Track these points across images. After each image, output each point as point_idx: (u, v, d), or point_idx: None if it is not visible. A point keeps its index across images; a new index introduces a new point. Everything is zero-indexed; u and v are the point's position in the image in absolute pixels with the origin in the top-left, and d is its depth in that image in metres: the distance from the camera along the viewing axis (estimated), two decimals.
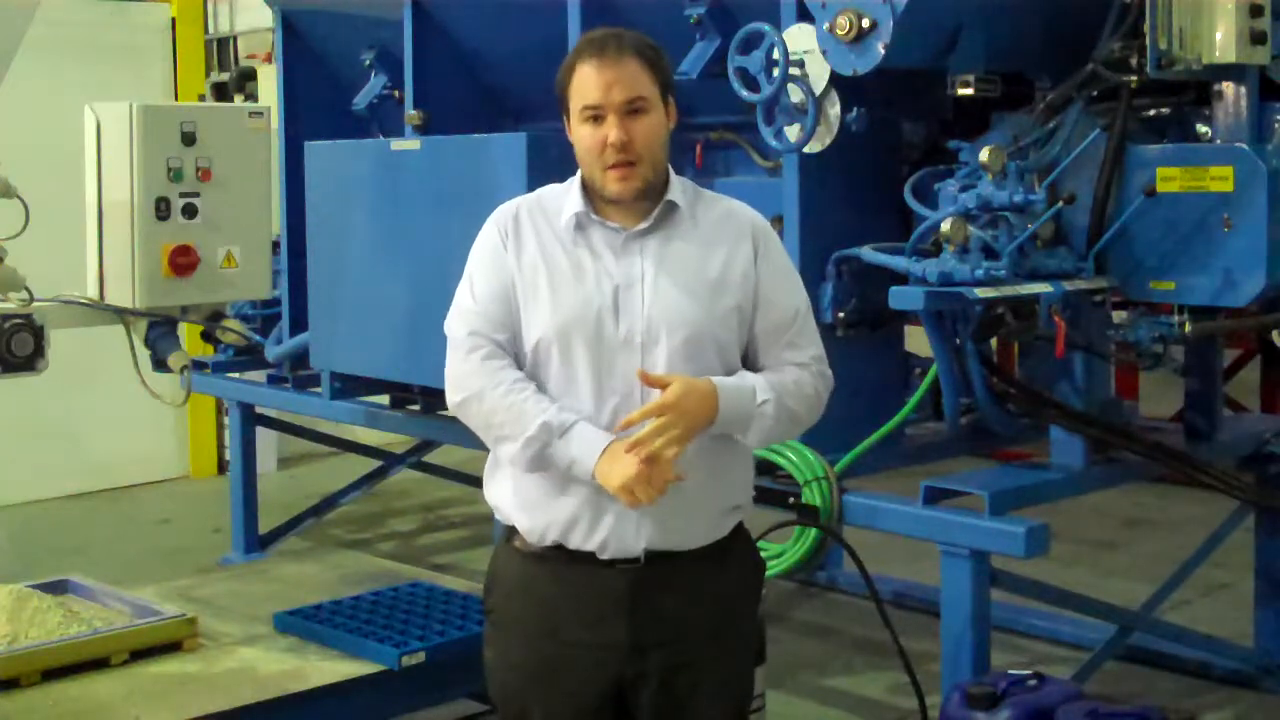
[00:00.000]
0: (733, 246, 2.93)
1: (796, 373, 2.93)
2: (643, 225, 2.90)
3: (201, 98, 8.36)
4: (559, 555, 2.89)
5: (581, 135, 2.87)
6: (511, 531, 2.98)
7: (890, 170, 4.72)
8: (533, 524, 2.91)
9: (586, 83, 2.84)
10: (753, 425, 2.86)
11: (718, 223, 2.95)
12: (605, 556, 2.86)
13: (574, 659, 2.89)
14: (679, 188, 2.94)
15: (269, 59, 7.73)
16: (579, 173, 2.95)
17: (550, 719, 2.94)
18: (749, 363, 2.97)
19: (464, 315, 2.93)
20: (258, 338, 6.56)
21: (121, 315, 4.75)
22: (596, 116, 2.84)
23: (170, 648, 4.18)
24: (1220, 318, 4.39)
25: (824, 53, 4.29)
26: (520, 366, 2.90)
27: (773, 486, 4.36)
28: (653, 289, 2.86)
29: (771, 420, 2.86)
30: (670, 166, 2.96)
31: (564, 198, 2.95)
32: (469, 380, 2.89)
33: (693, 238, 2.92)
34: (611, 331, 2.84)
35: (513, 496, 2.95)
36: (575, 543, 2.87)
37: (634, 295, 2.86)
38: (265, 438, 7.74)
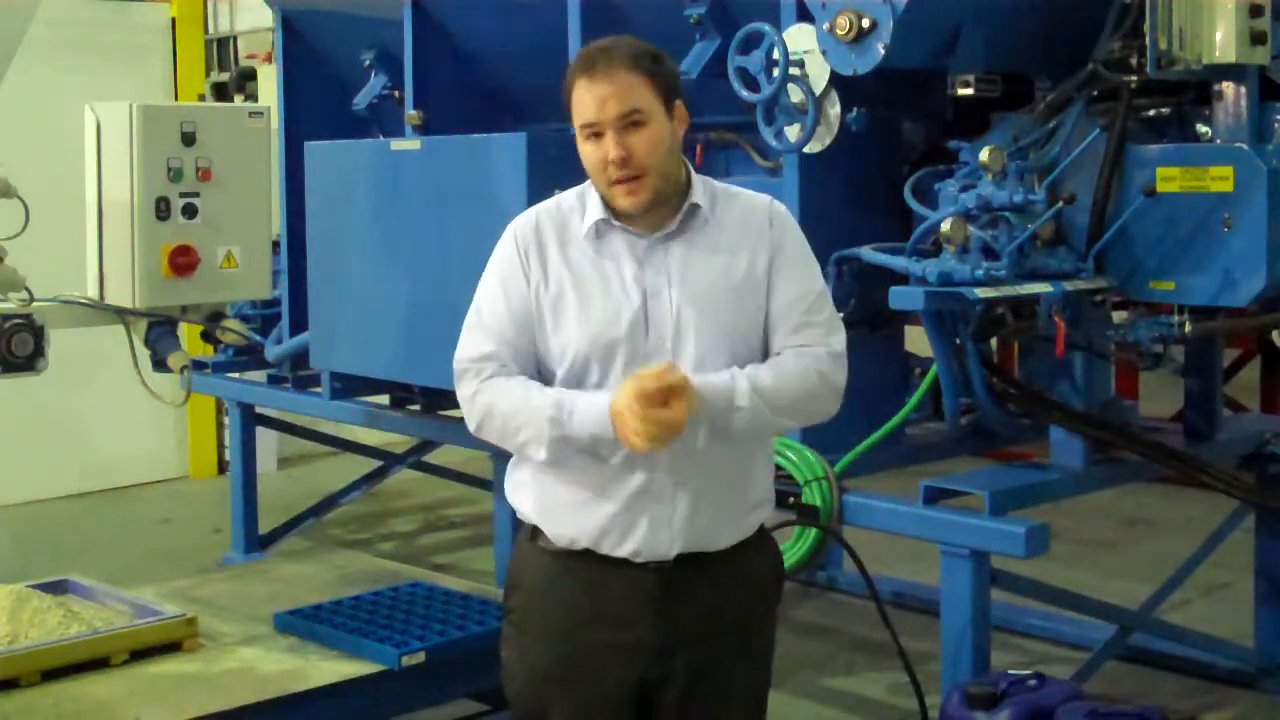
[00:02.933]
0: (754, 244, 2.90)
1: (796, 360, 2.85)
2: (666, 230, 2.86)
3: (201, 98, 8.37)
4: (587, 555, 2.87)
5: (585, 152, 2.84)
6: (535, 530, 2.95)
7: (890, 170, 4.72)
8: (560, 532, 2.89)
9: (580, 101, 2.81)
10: (733, 423, 2.81)
11: (739, 220, 2.92)
12: (637, 561, 2.85)
13: (598, 660, 2.88)
14: (700, 188, 2.90)
15: (269, 59, 7.73)
16: None
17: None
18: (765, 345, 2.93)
19: (470, 340, 2.92)
20: (258, 338, 6.56)
21: (121, 315, 4.75)
22: (596, 134, 2.80)
23: (170, 648, 4.18)
24: (1220, 318, 4.39)
25: (824, 53, 4.29)
26: (545, 380, 2.88)
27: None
28: (679, 294, 2.83)
29: (749, 418, 2.80)
30: (691, 166, 2.93)
31: (584, 204, 2.91)
32: (478, 402, 2.87)
33: (716, 240, 2.88)
34: (641, 340, 2.81)
35: (538, 505, 2.93)
36: (606, 550, 2.85)
37: (661, 302, 2.83)
38: (265, 438, 7.74)
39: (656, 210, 2.86)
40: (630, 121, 2.79)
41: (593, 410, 2.75)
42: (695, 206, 2.88)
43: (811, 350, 2.87)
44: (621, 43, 2.86)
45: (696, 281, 2.85)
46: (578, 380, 2.84)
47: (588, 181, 2.93)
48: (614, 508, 2.83)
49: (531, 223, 2.93)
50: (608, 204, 2.87)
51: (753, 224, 2.93)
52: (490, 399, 2.85)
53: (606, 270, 2.85)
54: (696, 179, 2.92)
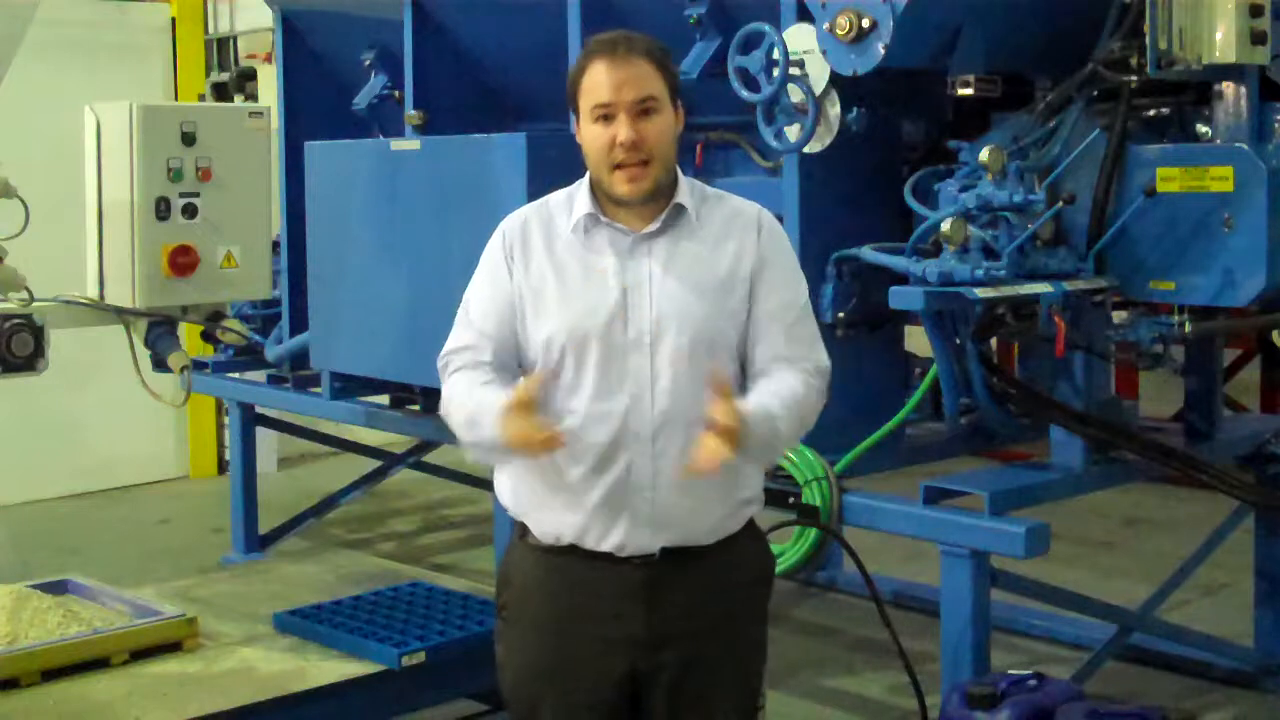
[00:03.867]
0: (739, 246, 2.93)
1: (794, 383, 2.88)
2: (650, 228, 2.90)
3: (201, 98, 8.34)
4: (575, 551, 2.90)
5: (591, 134, 2.86)
6: (524, 528, 2.99)
7: (890, 170, 4.72)
8: (545, 529, 2.93)
9: (597, 82, 2.84)
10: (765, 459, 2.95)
11: (725, 222, 2.95)
12: (621, 555, 2.87)
13: (589, 654, 2.90)
14: (687, 189, 2.94)
15: (269, 59, 7.73)
16: (586, 176, 2.95)
17: (562, 715, 2.94)
18: (744, 349, 2.95)
19: (452, 335, 2.99)
20: (258, 338, 6.56)
21: (121, 315, 4.75)
22: (607, 116, 2.83)
23: (170, 648, 4.18)
24: (1220, 318, 4.39)
25: (824, 53, 4.29)
26: (527, 373, 2.91)
27: (773, 486, 4.35)
28: (660, 290, 2.86)
29: (779, 453, 2.98)
30: (679, 167, 2.97)
31: (571, 202, 2.95)
32: (444, 395, 2.95)
33: (700, 238, 2.92)
34: (620, 334, 2.84)
35: (523, 502, 2.97)
36: (590, 544, 2.88)
37: (641, 296, 2.86)
38: (265, 438, 7.74)
39: (644, 207, 2.90)
40: (644, 108, 2.83)
41: (491, 422, 2.78)
42: (680, 207, 2.92)
43: (804, 366, 2.92)
44: (637, 35, 2.92)
45: (678, 278, 2.88)
46: (553, 374, 2.86)
47: (576, 183, 2.97)
48: (595, 502, 2.85)
49: (519, 220, 2.99)
50: (596, 199, 2.91)
51: (738, 226, 2.96)
52: (448, 393, 2.93)
53: (589, 264, 2.89)
54: (684, 181, 2.96)
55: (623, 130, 2.81)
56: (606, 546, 2.86)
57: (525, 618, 2.97)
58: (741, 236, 2.94)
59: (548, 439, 2.70)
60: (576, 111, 2.91)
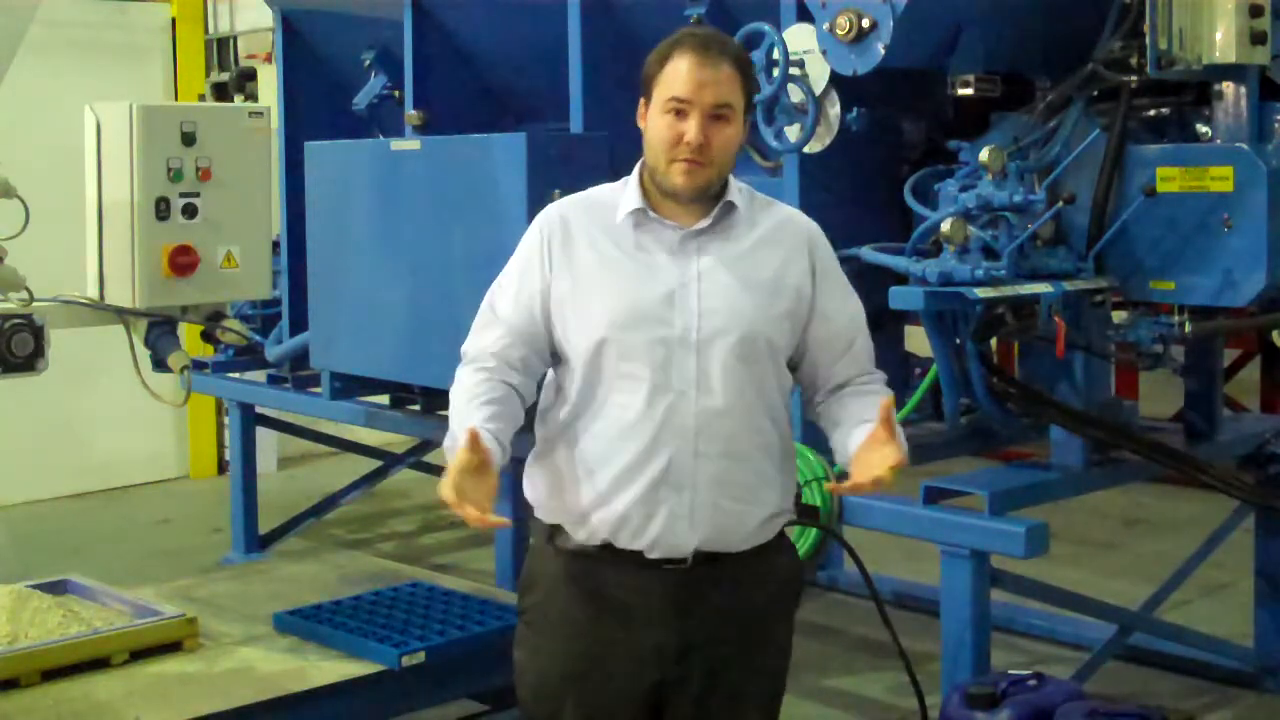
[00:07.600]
0: (789, 252, 2.94)
1: (885, 393, 2.98)
2: (701, 224, 2.88)
3: (201, 98, 8.35)
4: (604, 554, 2.87)
5: (659, 124, 2.83)
6: (552, 531, 2.95)
7: (890, 170, 4.72)
8: (580, 524, 2.89)
9: (680, 75, 2.81)
10: None
11: (774, 228, 2.96)
12: (653, 556, 2.85)
13: (615, 659, 2.88)
14: (736, 189, 2.93)
15: (269, 59, 7.72)
16: (635, 170, 2.93)
17: None
18: (806, 370, 2.99)
19: (484, 331, 2.95)
20: (258, 338, 6.56)
21: (121, 315, 4.74)
22: (680, 111, 2.81)
23: (170, 648, 4.18)
24: (1220, 318, 4.39)
25: (824, 53, 4.29)
26: (562, 370, 2.92)
27: None
28: (708, 288, 2.85)
29: None
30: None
31: (619, 195, 2.92)
32: (455, 386, 2.93)
33: (749, 239, 2.91)
34: (667, 330, 2.82)
35: (557, 497, 2.93)
36: (624, 542, 2.85)
37: (689, 294, 2.84)
38: (265, 438, 7.74)
39: (693, 205, 2.88)
40: (719, 114, 2.82)
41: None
42: (731, 205, 2.91)
43: (881, 378, 3.03)
44: (729, 38, 2.95)
45: (727, 276, 2.87)
46: (596, 367, 2.85)
47: (624, 179, 2.95)
48: (634, 497, 2.82)
49: (558, 212, 2.96)
50: (645, 195, 2.89)
51: (789, 233, 2.97)
52: (452, 391, 2.93)
53: (638, 259, 2.87)
54: (734, 182, 2.94)
55: (692, 130, 2.79)
56: (640, 544, 2.83)
57: (551, 622, 2.94)
58: (791, 247, 2.95)
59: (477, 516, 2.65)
60: (647, 96, 2.88)
